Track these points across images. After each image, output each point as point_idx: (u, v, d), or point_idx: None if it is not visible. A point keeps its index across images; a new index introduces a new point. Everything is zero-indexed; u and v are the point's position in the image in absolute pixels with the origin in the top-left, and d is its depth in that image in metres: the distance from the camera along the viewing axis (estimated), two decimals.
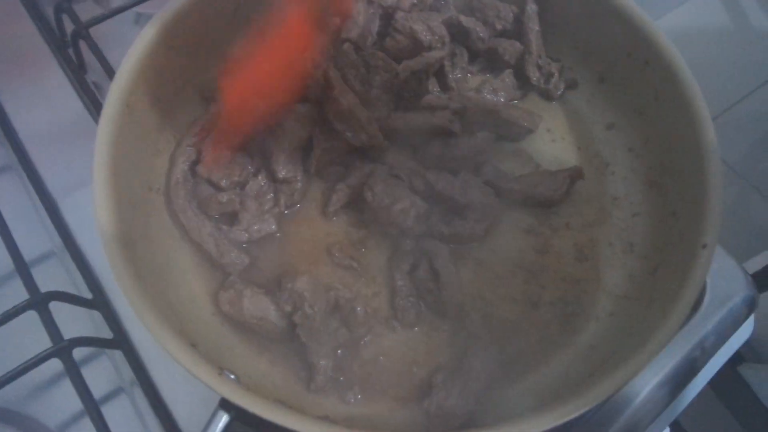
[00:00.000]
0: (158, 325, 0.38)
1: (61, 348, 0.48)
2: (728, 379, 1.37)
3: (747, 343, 1.38)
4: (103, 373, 0.54)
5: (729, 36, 2.01)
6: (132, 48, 0.48)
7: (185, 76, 0.55)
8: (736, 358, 1.37)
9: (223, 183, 0.52)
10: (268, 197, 0.52)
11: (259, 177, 0.52)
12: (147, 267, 0.44)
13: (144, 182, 0.50)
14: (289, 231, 0.52)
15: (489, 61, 0.59)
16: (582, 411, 0.38)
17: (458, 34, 0.58)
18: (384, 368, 0.46)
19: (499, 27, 0.58)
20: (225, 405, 0.36)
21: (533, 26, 0.56)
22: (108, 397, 0.53)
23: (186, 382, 0.53)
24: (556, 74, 0.57)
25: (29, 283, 0.51)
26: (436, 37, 0.54)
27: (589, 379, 0.41)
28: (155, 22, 0.50)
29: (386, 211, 0.49)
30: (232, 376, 0.38)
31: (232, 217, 0.52)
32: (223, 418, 0.36)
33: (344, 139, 0.52)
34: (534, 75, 0.57)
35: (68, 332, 0.50)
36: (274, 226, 0.50)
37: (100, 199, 0.42)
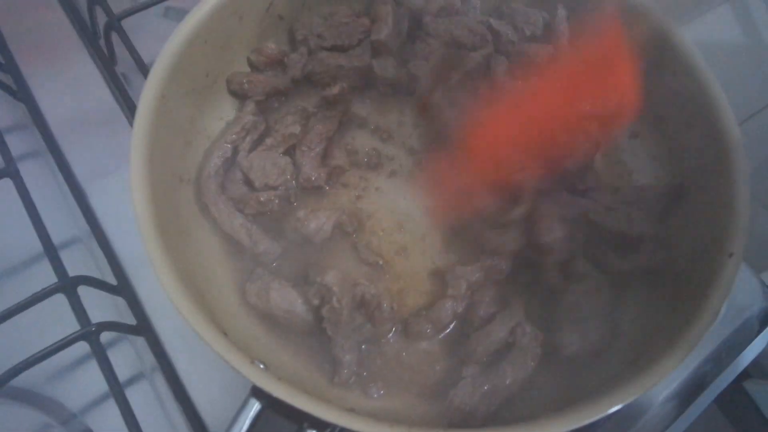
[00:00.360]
0: (193, 312, 0.39)
1: (89, 331, 0.49)
2: (733, 394, 1.36)
3: (755, 360, 1.38)
4: (125, 358, 0.55)
5: (742, 51, 2.01)
6: (170, 40, 0.49)
7: (218, 69, 0.56)
8: (742, 374, 1.37)
9: (257, 183, 0.53)
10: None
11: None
12: (179, 256, 0.44)
13: (175, 173, 0.51)
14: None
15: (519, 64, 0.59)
16: (602, 415, 0.38)
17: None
18: (407, 364, 0.46)
19: (528, 32, 0.59)
20: (257, 393, 0.37)
21: (564, 30, 0.57)
22: (129, 382, 0.54)
23: (207, 370, 0.54)
24: None
25: (58, 266, 0.52)
26: (478, 37, 0.55)
27: (610, 383, 0.41)
28: (193, 16, 0.51)
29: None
30: (262, 366, 0.39)
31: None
32: (255, 406, 0.36)
33: None
34: None
35: (93, 318, 0.51)
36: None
37: (137, 186, 0.42)
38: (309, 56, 0.59)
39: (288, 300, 0.46)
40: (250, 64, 0.59)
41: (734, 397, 1.40)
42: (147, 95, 0.46)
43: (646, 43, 0.54)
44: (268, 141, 0.55)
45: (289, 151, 0.56)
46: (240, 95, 0.58)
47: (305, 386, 0.43)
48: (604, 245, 0.51)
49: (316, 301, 0.45)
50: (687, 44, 0.52)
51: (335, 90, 0.56)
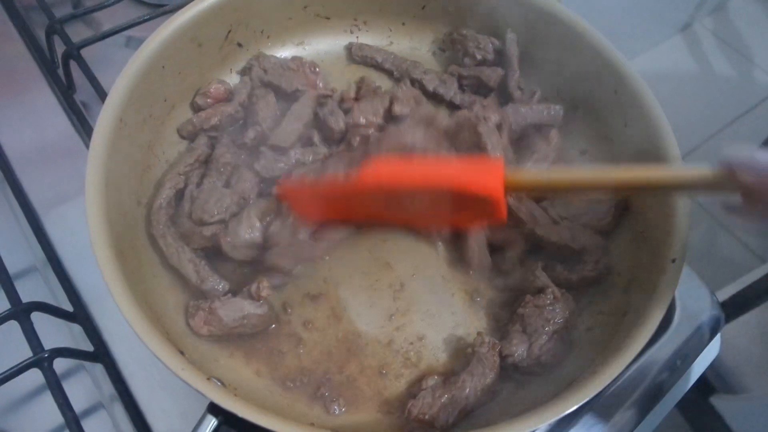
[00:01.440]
0: (148, 331, 0.39)
1: (42, 358, 0.47)
2: (700, 410, 1.39)
3: (718, 374, 1.41)
4: (81, 388, 0.53)
5: (694, 80, 2.12)
6: (128, 64, 0.50)
7: (175, 95, 0.57)
8: (708, 389, 1.40)
9: (194, 218, 0.52)
10: None
11: None
12: (135, 276, 0.44)
13: (133, 196, 0.51)
14: None
15: (475, 86, 0.62)
16: (559, 416, 0.39)
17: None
18: (369, 380, 0.47)
19: (479, 57, 0.61)
20: (213, 410, 0.37)
21: (513, 51, 0.60)
22: (87, 413, 0.52)
23: (167, 397, 0.53)
24: (539, 92, 0.60)
25: (11, 293, 0.51)
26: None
27: (567, 388, 0.42)
28: (150, 42, 0.52)
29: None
30: (219, 383, 0.39)
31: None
32: (212, 422, 0.36)
33: None
34: (516, 93, 0.60)
35: (48, 346, 0.50)
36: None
37: (92, 205, 0.43)
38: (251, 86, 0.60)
39: (237, 308, 0.46)
40: (196, 107, 0.59)
41: (702, 413, 1.43)
42: (104, 117, 0.46)
43: (592, 67, 0.57)
44: (212, 173, 0.55)
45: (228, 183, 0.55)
46: (192, 135, 0.58)
47: (267, 404, 0.43)
48: (551, 258, 0.53)
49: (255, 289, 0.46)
50: (629, 67, 0.55)
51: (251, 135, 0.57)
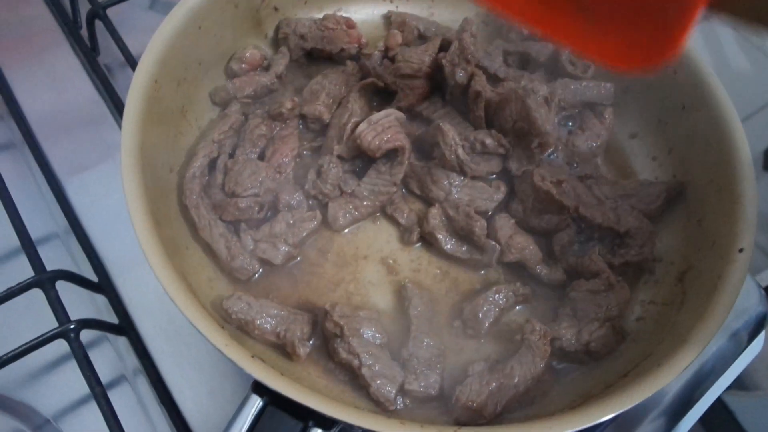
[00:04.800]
0: (190, 304, 0.36)
1: (69, 329, 0.45)
2: (712, 406, 1.37)
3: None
4: (105, 361, 0.51)
5: None
6: (165, 22, 0.47)
7: (210, 59, 0.54)
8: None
9: (226, 190, 0.49)
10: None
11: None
12: (170, 246, 0.42)
13: (165, 163, 0.49)
14: None
15: (521, 62, 0.59)
16: (612, 414, 0.37)
17: None
18: None
19: (526, 31, 0.58)
20: (259, 389, 0.34)
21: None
22: (110, 386, 0.50)
23: (193, 372, 0.51)
24: (593, 67, 0.57)
25: (35, 261, 0.49)
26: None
27: (625, 380, 0.40)
28: (187, 0, 0.49)
29: None
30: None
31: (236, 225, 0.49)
32: (257, 403, 0.34)
33: None
34: (569, 67, 0.57)
35: (73, 317, 0.48)
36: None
37: (128, 167, 0.40)
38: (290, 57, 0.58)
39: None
40: (230, 73, 0.56)
41: (713, 409, 1.41)
42: (140, 76, 0.44)
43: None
44: (246, 144, 0.52)
45: (262, 155, 0.53)
46: (225, 102, 0.55)
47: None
48: (594, 240, 0.50)
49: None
50: (691, 50, 0.52)
51: (288, 105, 0.54)
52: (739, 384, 1.43)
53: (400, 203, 0.52)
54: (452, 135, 0.50)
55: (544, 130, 0.50)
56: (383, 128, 0.50)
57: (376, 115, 0.50)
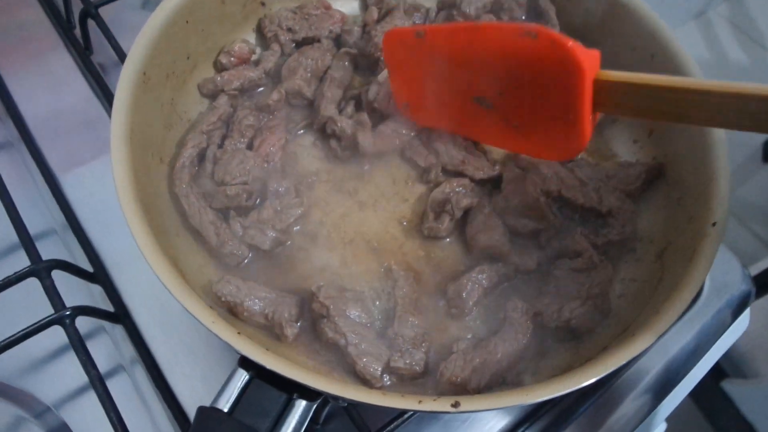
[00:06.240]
0: (177, 284, 0.38)
1: (64, 315, 0.47)
2: (712, 394, 1.38)
3: (729, 359, 1.40)
4: (102, 350, 0.53)
5: (707, 68, 2.08)
6: (152, 17, 0.48)
7: (198, 53, 0.56)
8: (719, 374, 1.39)
9: (216, 179, 0.51)
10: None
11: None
12: (159, 233, 0.43)
13: (156, 153, 0.50)
14: None
15: None
16: (595, 378, 0.38)
17: None
18: None
19: (505, 18, 0.60)
20: (245, 364, 0.36)
21: (549, 6, 0.59)
22: (107, 375, 0.51)
23: (188, 359, 0.52)
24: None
25: (32, 251, 0.50)
26: None
27: (602, 353, 0.41)
28: None
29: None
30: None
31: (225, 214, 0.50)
32: (243, 377, 0.35)
33: None
34: None
35: (69, 305, 0.49)
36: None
37: (118, 157, 0.41)
38: (281, 52, 0.59)
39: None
40: (219, 66, 0.58)
41: (713, 397, 1.42)
42: (128, 68, 0.45)
43: (628, 30, 0.55)
44: (234, 135, 0.54)
45: (251, 144, 0.54)
46: (213, 94, 0.56)
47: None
48: (576, 220, 0.52)
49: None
50: (668, 31, 0.54)
51: (275, 96, 0.56)
52: (738, 372, 1.44)
53: (418, 147, 0.55)
54: None
55: None
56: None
57: (381, 75, 0.54)
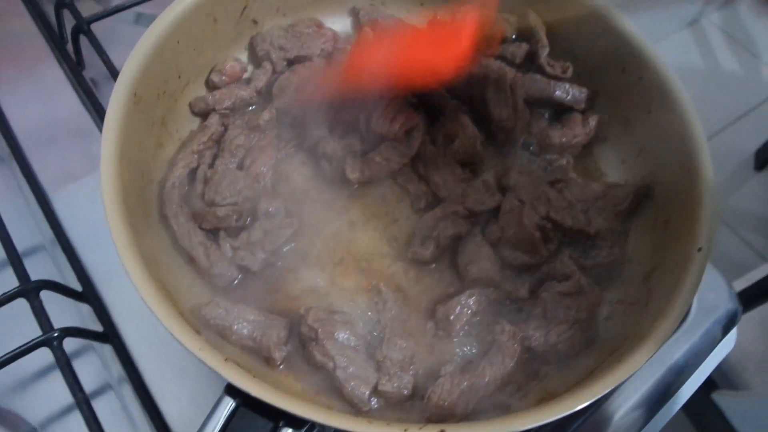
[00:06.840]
0: (164, 309, 0.37)
1: (52, 337, 0.47)
2: (702, 406, 1.39)
3: (720, 370, 1.41)
4: (89, 369, 0.52)
5: (700, 76, 2.10)
6: (143, 37, 0.48)
7: (190, 72, 0.56)
8: (710, 385, 1.40)
9: (206, 199, 0.51)
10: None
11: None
12: (148, 254, 0.43)
13: (146, 173, 0.50)
14: None
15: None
16: (582, 405, 0.38)
17: None
18: None
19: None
20: (231, 391, 0.36)
21: (540, 24, 0.59)
22: (95, 394, 0.52)
23: (176, 379, 0.52)
24: (571, 67, 0.59)
25: (20, 271, 0.50)
26: None
27: (588, 378, 0.42)
28: (167, 14, 0.50)
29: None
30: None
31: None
32: (230, 404, 0.35)
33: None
34: (548, 68, 0.59)
35: (57, 326, 0.49)
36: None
37: (107, 177, 0.41)
38: (273, 71, 0.59)
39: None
40: (211, 85, 0.58)
41: (703, 409, 1.42)
42: (119, 89, 0.45)
43: (618, 52, 0.56)
44: (225, 155, 0.54)
45: (241, 164, 0.54)
46: (205, 113, 0.56)
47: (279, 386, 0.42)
48: (566, 243, 0.52)
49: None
50: (656, 53, 0.54)
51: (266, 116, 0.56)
52: (728, 383, 1.45)
53: (410, 173, 0.56)
54: (472, 129, 0.54)
55: (496, 114, 0.54)
56: (395, 113, 0.54)
57: (383, 102, 0.54)
